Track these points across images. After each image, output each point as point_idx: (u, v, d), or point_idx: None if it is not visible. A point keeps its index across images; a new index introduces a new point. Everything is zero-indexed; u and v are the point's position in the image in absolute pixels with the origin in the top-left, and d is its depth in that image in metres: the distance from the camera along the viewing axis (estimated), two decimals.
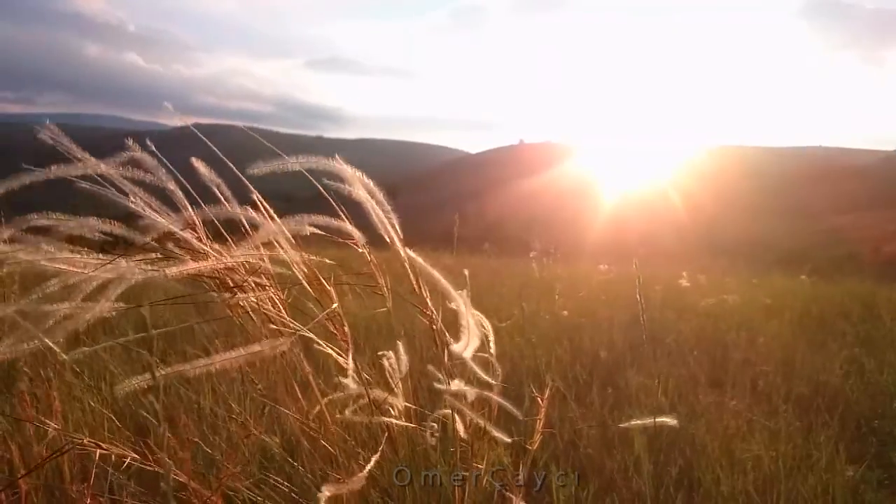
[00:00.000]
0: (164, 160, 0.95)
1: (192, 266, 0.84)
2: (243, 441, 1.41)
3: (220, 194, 0.99)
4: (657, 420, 1.21)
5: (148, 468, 0.98)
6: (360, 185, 0.99)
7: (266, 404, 1.60)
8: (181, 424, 1.41)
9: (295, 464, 1.18)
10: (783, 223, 55.51)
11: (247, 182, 0.97)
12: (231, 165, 0.98)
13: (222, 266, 0.90)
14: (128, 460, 0.94)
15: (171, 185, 0.95)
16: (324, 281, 1.00)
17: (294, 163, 0.93)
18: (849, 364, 3.14)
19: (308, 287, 1.00)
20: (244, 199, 0.99)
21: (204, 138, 1.08)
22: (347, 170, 0.98)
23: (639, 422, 1.22)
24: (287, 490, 1.16)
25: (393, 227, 1.01)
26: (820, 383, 2.86)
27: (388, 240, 1.02)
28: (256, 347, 0.80)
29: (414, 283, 1.04)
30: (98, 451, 0.92)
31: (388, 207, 1.02)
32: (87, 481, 1.09)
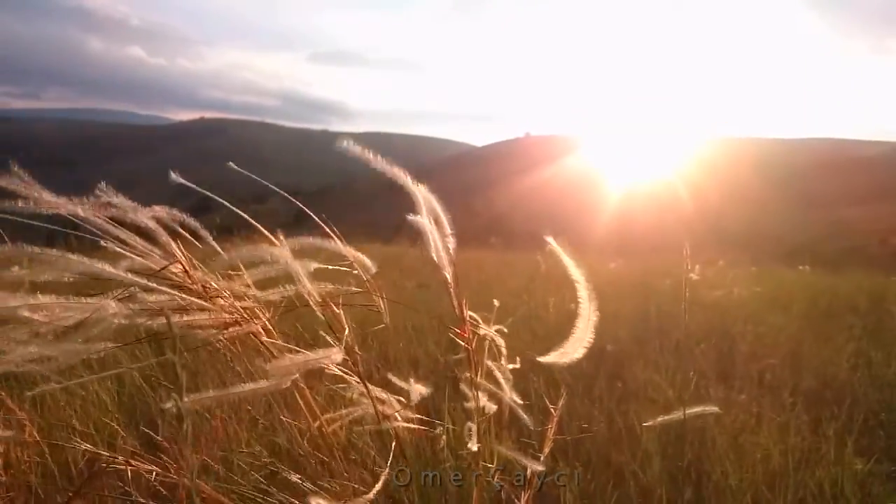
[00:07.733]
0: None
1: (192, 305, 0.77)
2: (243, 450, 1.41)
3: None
4: (687, 413, 1.19)
5: (166, 482, 0.96)
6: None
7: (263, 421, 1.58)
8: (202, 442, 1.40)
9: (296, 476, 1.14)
10: (791, 215, 55.16)
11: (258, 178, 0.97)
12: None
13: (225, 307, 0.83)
14: (153, 476, 0.91)
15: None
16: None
17: None
18: (856, 357, 3.13)
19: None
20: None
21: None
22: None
23: (664, 417, 1.19)
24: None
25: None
26: (828, 376, 2.86)
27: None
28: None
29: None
30: (128, 467, 0.89)
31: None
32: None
